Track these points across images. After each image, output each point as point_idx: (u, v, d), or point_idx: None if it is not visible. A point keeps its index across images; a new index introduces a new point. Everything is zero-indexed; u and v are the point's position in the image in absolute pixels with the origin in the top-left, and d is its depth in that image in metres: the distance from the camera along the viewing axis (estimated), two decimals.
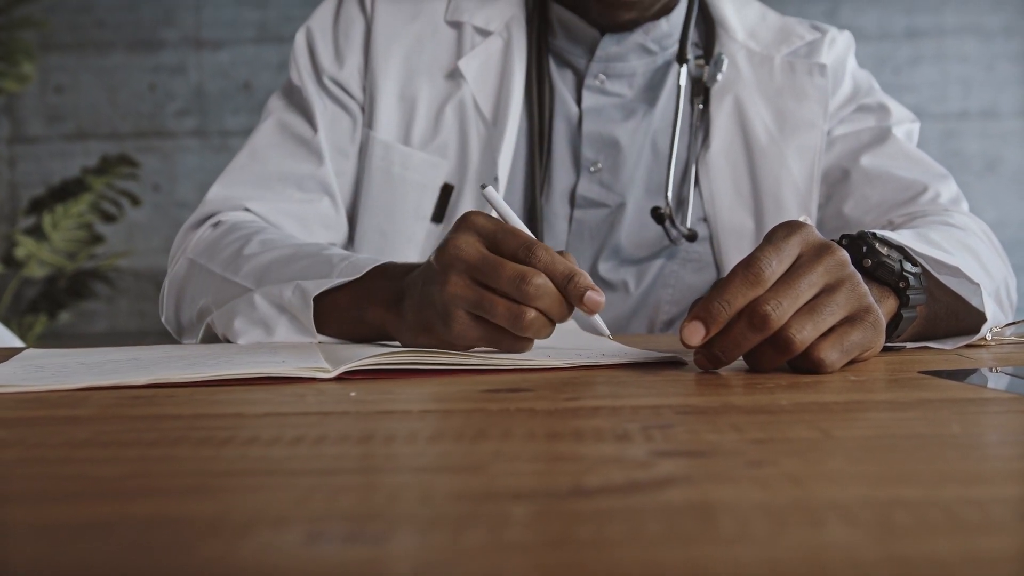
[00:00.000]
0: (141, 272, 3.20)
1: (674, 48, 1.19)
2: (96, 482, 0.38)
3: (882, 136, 1.19)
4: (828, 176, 1.20)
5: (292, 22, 3.15)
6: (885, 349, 0.76)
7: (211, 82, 3.20)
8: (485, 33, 1.18)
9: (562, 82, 1.19)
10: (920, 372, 0.67)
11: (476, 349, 0.75)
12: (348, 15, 1.19)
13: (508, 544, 0.29)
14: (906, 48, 3.19)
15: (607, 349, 0.77)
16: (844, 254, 0.68)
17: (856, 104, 1.21)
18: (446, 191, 1.16)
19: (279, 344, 0.87)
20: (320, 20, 1.21)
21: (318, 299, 0.86)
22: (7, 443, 0.46)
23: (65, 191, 2.94)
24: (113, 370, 0.68)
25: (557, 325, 0.73)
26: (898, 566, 0.27)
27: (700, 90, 1.19)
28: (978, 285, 0.83)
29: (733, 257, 1.16)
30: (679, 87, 1.16)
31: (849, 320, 0.67)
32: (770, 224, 1.13)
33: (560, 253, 0.72)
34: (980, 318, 0.84)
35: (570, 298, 0.70)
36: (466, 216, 0.75)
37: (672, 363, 0.73)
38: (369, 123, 1.17)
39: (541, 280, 0.69)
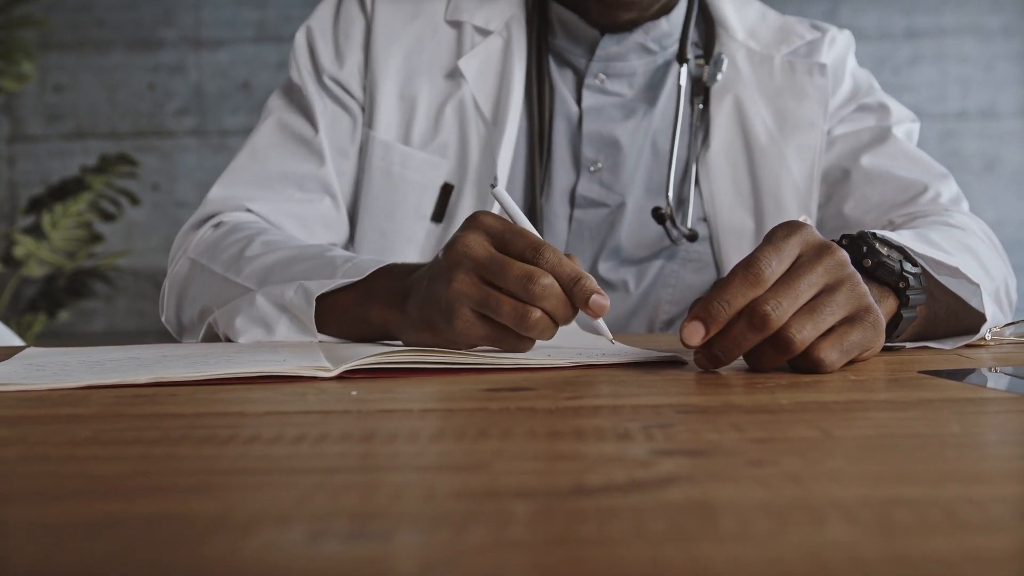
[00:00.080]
0: (140, 271, 3.20)
1: (674, 47, 1.19)
2: (98, 480, 0.38)
3: (882, 136, 1.19)
4: (828, 176, 1.20)
5: (291, 21, 3.15)
6: (885, 349, 0.76)
7: (210, 81, 3.20)
8: (485, 32, 1.18)
9: (562, 81, 1.19)
10: (920, 372, 0.67)
11: (477, 348, 0.75)
12: (348, 14, 1.19)
13: (510, 542, 0.29)
14: (905, 48, 3.19)
15: (607, 349, 0.77)
16: (844, 254, 0.68)
17: (856, 104, 1.21)
18: (446, 191, 1.16)
19: (280, 343, 0.87)
20: (320, 19, 1.21)
21: (320, 299, 0.86)
22: (9, 441, 0.46)
23: (64, 190, 2.94)
24: (114, 369, 0.68)
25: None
26: (899, 565, 0.27)
27: (700, 90, 1.19)
28: (978, 285, 0.83)
29: (733, 257, 1.16)
30: (679, 87, 1.16)
31: (849, 320, 0.67)
32: (770, 224, 1.13)
33: (566, 256, 0.72)
34: (980, 318, 0.84)
35: (575, 300, 0.71)
36: (475, 215, 0.75)
37: (672, 363, 0.73)
38: (369, 123, 1.17)
39: (548, 281, 0.70)
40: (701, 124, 1.19)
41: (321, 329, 0.88)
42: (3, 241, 3.08)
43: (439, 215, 1.16)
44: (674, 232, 1.15)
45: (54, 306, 2.96)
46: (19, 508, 0.35)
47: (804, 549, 0.28)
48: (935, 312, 0.84)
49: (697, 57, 1.20)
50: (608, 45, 1.16)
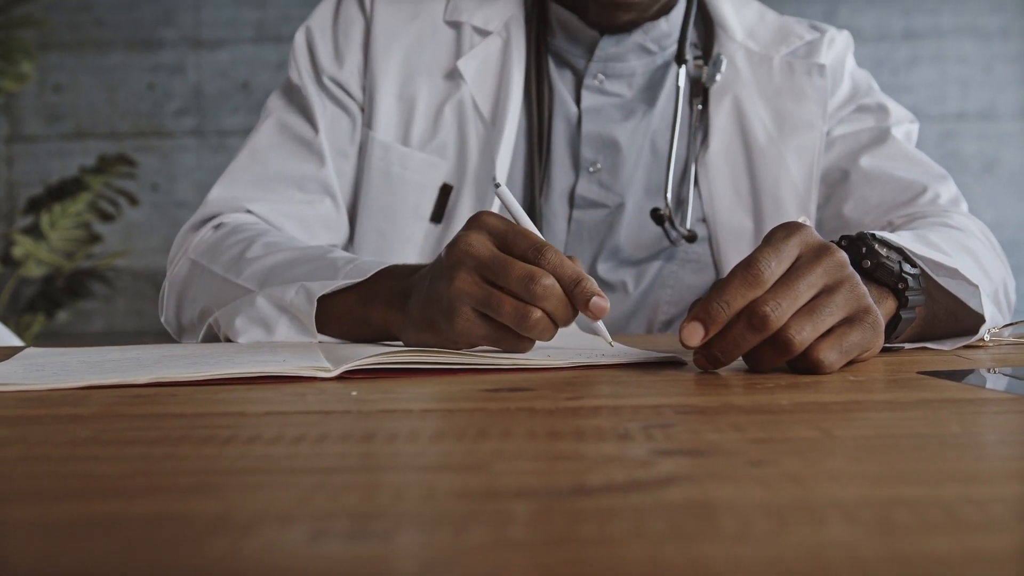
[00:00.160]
0: (139, 272, 3.20)
1: (673, 48, 1.19)
2: (99, 480, 0.38)
3: (881, 137, 1.19)
4: (827, 177, 1.20)
5: (291, 22, 3.15)
6: (884, 350, 0.76)
7: (210, 82, 3.20)
8: (484, 33, 1.18)
9: (561, 82, 1.19)
10: (919, 372, 0.67)
11: (477, 349, 0.75)
12: (348, 15, 1.19)
13: (511, 542, 0.29)
14: (904, 49, 3.19)
15: (607, 350, 0.77)
16: (843, 255, 0.68)
17: (855, 104, 1.21)
18: (445, 191, 1.16)
19: (279, 343, 0.87)
20: (320, 20, 1.21)
21: (321, 300, 0.86)
22: (9, 441, 0.46)
23: (63, 190, 2.94)
24: (114, 369, 0.68)
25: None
26: (899, 565, 0.27)
27: (699, 90, 1.19)
28: (976, 287, 0.83)
29: (732, 258, 1.16)
30: (678, 88, 1.16)
31: (848, 321, 0.67)
32: (769, 225, 1.14)
33: (568, 258, 0.72)
34: (978, 319, 0.84)
35: (576, 302, 0.71)
36: (478, 215, 0.75)
37: (672, 363, 0.73)
38: (368, 123, 1.17)
39: (549, 281, 0.70)
40: (700, 125, 1.19)
41: (321, 330, 0.88)
42: (2, 241, 3.08)
43: (438, 216, 1.16)
44: (673, 233, 1.15)
45: (53, 306, 2.96)
46: (19, 508, 0.35)
47: (804, 549, 0.28)
48: (934, 313, 0.84)
49: (696, 58, 1.20)
50: (607, 46, 1.16)
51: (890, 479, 0.37)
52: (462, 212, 1.14)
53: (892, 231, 0.92)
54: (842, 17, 3.16)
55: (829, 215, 1.20)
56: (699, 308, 0.66)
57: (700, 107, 1.19)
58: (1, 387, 0.61)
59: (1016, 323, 0.93)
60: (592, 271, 1.17)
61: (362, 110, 1.18)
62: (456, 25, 1.19)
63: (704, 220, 1.18)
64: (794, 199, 1.17)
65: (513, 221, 0.76)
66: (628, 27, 1.16)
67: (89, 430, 0.48)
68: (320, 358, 0.71)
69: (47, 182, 3.09)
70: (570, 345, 0.83)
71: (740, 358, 0.67)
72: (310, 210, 1.14)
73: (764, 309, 0.64)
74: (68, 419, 0.51)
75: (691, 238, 1.16)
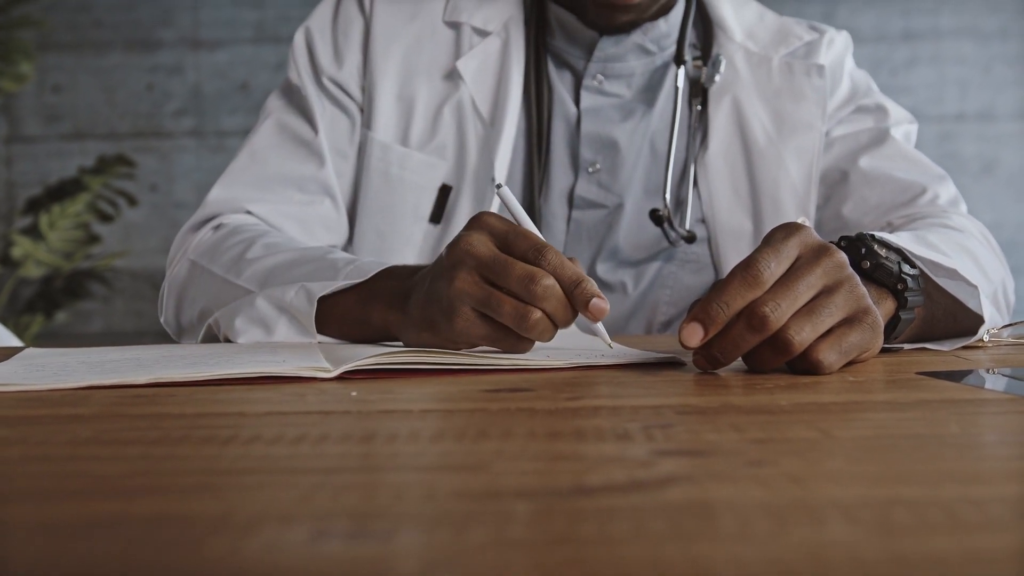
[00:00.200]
0: (138, 272, 3.20)
1: (673, 48, 1.19)
2: (100, 480, 0.38)
3: (880, 137, 1.20)
4: (827, 177, 1.20)
5: (290, 22, 3.15)
6: (883, 350, 0.76)
7: (208, 82, 3.20)
8: (483, 33, 1.18)
9: (560, 82, 1.19)
10: (918, 373, 0.67)
11: (476, 349, 0.75)
12: (347, 15, 1.19)
13: (512, 542, 0.29)
14: (903, 50, 3.19)
15: (606, 350, 0.77)
16: (842, 256, 0.68)
17: (854, 105, 1.22)
18: (444, 192, 1.16)
19: (279, 344, 0.87)
20: (319, 20, 1.21)
21: (321, 301, 0.86)
22: (10, 441, 0.46)
23: (62, 191, 2.94)
24: (114, 369, 0.68)
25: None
26: (898, 565, 0.27)
27: (698, 91, 1.19)
28: (975, 287, 0.83)
29: (731, 258, 1.16)
30: (676, 89, 1.17)
31: (847, 321, 0.67)
32: (768, 225, 1.14)
33: (569, 260, 0.72)
34: (978, 320, 0.84)
35: (576, 303, 0.71)
36: (479, 215, 0.75)
37: (671, 364, 0.73)
38: (367, 124, 1.17)
39: (550, 282, 0.70)
40: (699, 125, 1.19)
41: (321, 330, 0.88)
42: (0, 242, 3.08)
43: (437, 216, 1.16)
44: (672, 234, 1.15)
45: (51, 307, 2.96)
46: (20, 508, 0.35)
47: (804, 549, 0.28)
48: (933, 314, 0.84)
49: (695, 58, 1.20)
50: (606, 46, 1.16)
51: (889, 479, 0.37)
52: (461, 213, 1.14)
53: (891, 232, 0.92)
54: (841, 18, 3.16)
55: (828, 216, 1.20)
56: (698, 309, 0.66)
57: (699, 108, 1.19)
58: (1, 387, 0.61)
59: (1015, 324, 0.93)
60: (591, 271, 1.17)
61: (361, 110, 1.18)
62: (455, 25, 1.19)
63: (703, 221, 1.18)
64: (793, 200, 1.17)
65: (514, 222, 0.76)
66: (627, 28, 1.16)
67: (89, 430, 0.48)
68: (320, 358, 0.71)
69: (46, 183, 3.09)
70: (569, 346, 0.83)
71: (739, 359, 0.67)
72: (310, 211, 1.14)
73: (763, 310, 0.64)
74: (68, 419, 0.51)
75: (690, 239, 1.16)
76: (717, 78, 1.18)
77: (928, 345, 0.84)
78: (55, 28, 3.15)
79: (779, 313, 0.64)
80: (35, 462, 0.42)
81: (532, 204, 1.15)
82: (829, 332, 0.66)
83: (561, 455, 0.41)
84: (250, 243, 1.00)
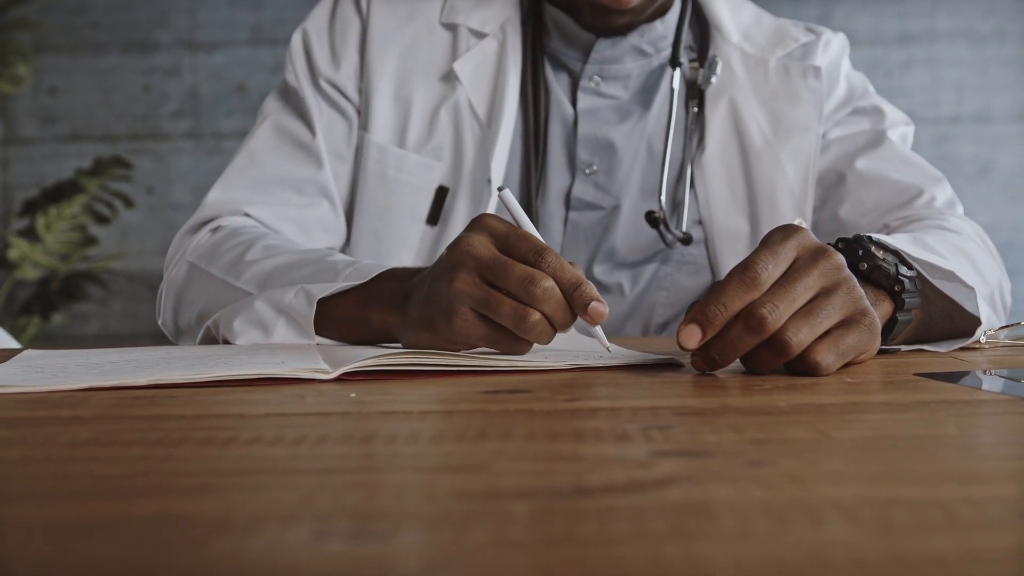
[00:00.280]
0: (134, 274, 3.20)
1: (669, 50, 1.19)
2: (101, 481, 0.38)
3: (877, 139, 1.20)
4: (823, 179, 1.20)
5: (286, 24, 3.15)
6: (880, 352, 0.77)
7: (205, 84, 3.20)
8: (480, 35, 1.18)
9: (557, 84, 1.19)
10: (915, 374, 0.67)
11: (475, 350, 0.75)
12: (344, 16, 1.19)
13: (513, 542, 0.29)
14: (899, 52, 3.20)
15: (604, 351, 0.77)
16: (840, 258, 0.68)
17: (851, 107, 1.22)
18: (441, 193, 1.16)
19: (277, 345, 0.87)
20: (316, 22, 1.21)
21: (320, 302, 0.86)
22: (11, 442, 0.46)
23: (58, 193, 2.94)
24: (113, 371, 0.68)
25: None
26: (898, 564, 0.27)
27: (695, 93, 1.20)
28: (972, 289, 0.83)
29: (728, 260, 1.16)
30: (672, 90, 1.17)
31: (845, 323, 0.67)
32: (765, 227, 1.14)
33: (570, 264, 0.73)
34: (974, 321, 0.84)
35: (575, 306, 0.71)
36: (480, 217, 0.76)
37: (669, 365, 0.73)
38: (364, 125, 1.17)
39: (549, 284, 0.70)
40: (696, 127, 1.20)
41: (320, 332, 0.88)
42: None
43: (434, 218, 1.16)
44: (668, 235, 1.15)
45: (48, 309, 2.96)
46: (21, 509, 0.35)
47: (804, 549, 0.29)
48: (930, 315, 0.84)
49: (691, 60, 1.21)
50: (603, 48, 1.17)
51: (888, 479, 0.37)
52: (458, 214, 1.15)
53: (888, 234, 0.92)
54: (837, 20, 3.17)
55: (825, 218, 1.20)
56: (697, 310, 0.66)
57: (696, 109, 1.19)
58: (1, 389, 0.61)
59: (1012, 325, 0.93)
60: (588, 273, 1.17)
61: (358, 112, 1.18)
62: (452, 27, 1.19)
63: (700, 222, 1.18)
64: (790, 201, 1.17)
65: (515, 224, 0.76)
66: (624, 30, 1.16)
67: (89, 431, 0.48)
68: (318, 360, 0.71)
69: (42, 184, 3.09)
70: (567, 347, 0.83)
71: (737, 360, 0.67)
72: (308, 213, 1.14)
73: (761, 311, 0.64)
74: (68, 421, 0.52)
75: (686, 240, 1.16)
76: (713, 80, 1.18)
77: (925, 346, 0.84)
78: (51, 30, 3.15)
79: (777, 315, 0.64)
80: (35, 463, 0.42)
81: (529, 205, 1.15)
82: (827, 333, 0.67)
83: (560, 456, 0.41)
84: (249, 245, 1.00)
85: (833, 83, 1.22)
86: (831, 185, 1.20)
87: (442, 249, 1.12)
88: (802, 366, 0.66)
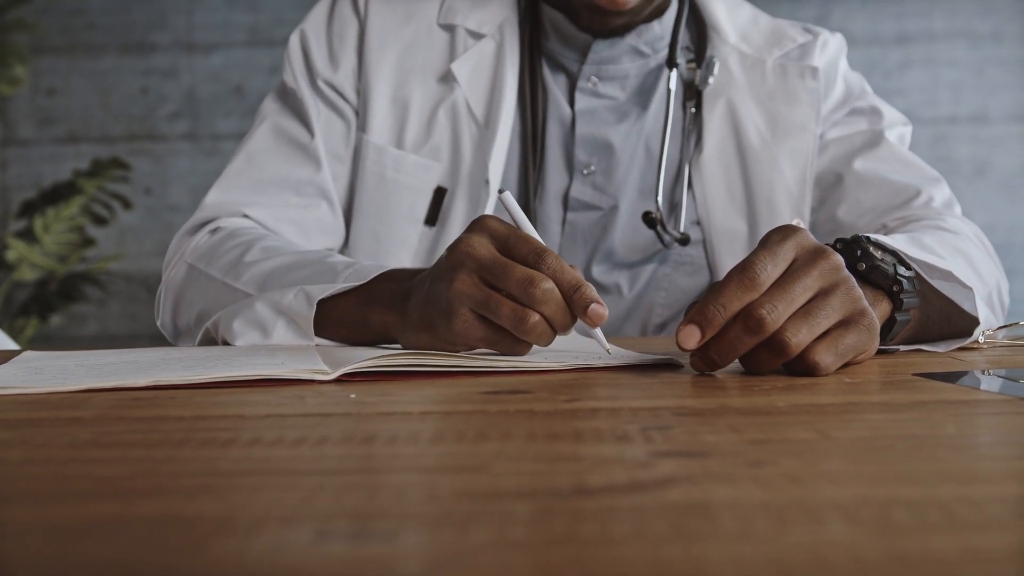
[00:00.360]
0: (132, 275, 3.20)
1: (667, 50, 1.19)
2: (103, 482, 0.38)
3: (875, 140, 1.20)
4: (821, 180, 1.20)
5: (284, 25, 3.15)
6: (879, 352, 0.77)
7: (203, 85, 3.20)
8: (478, 36, 1.18)
9: (555, 84, 1.19)
10: (914, 374, 0.67)
11: (474, 351, 0.75)
12: (342, 17, 1.19)
13: (514, 542, 0.29)
14: (896, 53, 3.20)
15: (603, 352, 0.77)
16: (838, 258, 0.68)
17: (848, 107, 1.22)
18: (439, 194, 1.16)
19: (277, 346, 0.87)
20: (314, 22, 1.21)
21: (320, 303, 0.86)
22: (11, 444, 0.46)
23: (56, 194, 2.94)
24: (113, 372, 0.68)
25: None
26: (898, 564, 0.27)
27: (692, 93, 1.20)
28: (970, 289, 0.84)
29: (726, 260, 1.16)
30: (669, 91, 1.17)
31: (844, 323, 0.67)
32: (763, 228, 1.14)
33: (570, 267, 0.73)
34: (973, 321, 0.84)
35: (575, 308, 0.71)
36: (481, 218, 0.76)
37: (668, 365, 0.73)
38: (362, 126, 1.17)
39: (549, 285, 0.70)
40: (694, 127, 1.20)
41: (319, 333, 0.88)
42: None
43: (432, 218, 1.16)
44: (666, 236, 1.15)
45: (46, 310, 2.96)
46: (22, 510, 0.35)
47: (804, 549, 0.29)
48: (928, 315, 0.84)
49: (689, 61, 1.21)
50: (600, 49, 1.17)
51: (888, 479, 0.37)
52: (456, 215, 1.15)
53: (886, 234, 0.93)
54: (835, 20, 3.17)
55: (823, 218, 1.20)
56: (695, 311, 0.66)
57: (693, 110, 1.19)
58: (1, 390, 0.61)
59: (1010, 325, 0.93)
60: (586, 274, 1.17)
61: (356, 113, 1.18)
62: (450, 28, 1.19)
63: (698, 223, 1.18)
64: (788, 202, 1.17)
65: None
66: (621, 30, 1.16)
67: (90, 433, 0.48)
68: (318, 361, 0.71)
69: (40, 186, 3.09)
70: (566, 348, 0.83)
71: (736, 360, 0.67)
72: (307, 214, 1.14)
73: (760, 312, 0.64)
74: (69, 422, 0.52)
75: (684, 241, 1.16)
76: (711, 80, 1.18)
77: (924, 347, 0.84)
78: (49, 31, 3.15)
79: (776, 315, 0.65)
80: (36, 464, 0.42)
81: (527, 206, 1.15)
82: (826, 334, 0.67)
83: (561, 456, 0.41)
84: (248, 246, 1.00)
85: (831, 83, 1.22)
86: (829, 186, 1.20)
87: (440, 250, 1.13)
88: (801, 366, 0.66)
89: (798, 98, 1.19)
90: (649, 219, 1.13)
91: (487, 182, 1.13)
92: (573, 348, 0.83)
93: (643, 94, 1.19)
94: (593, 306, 0.71)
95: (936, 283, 0.84)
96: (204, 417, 0.52)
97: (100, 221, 3.01)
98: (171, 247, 1.12)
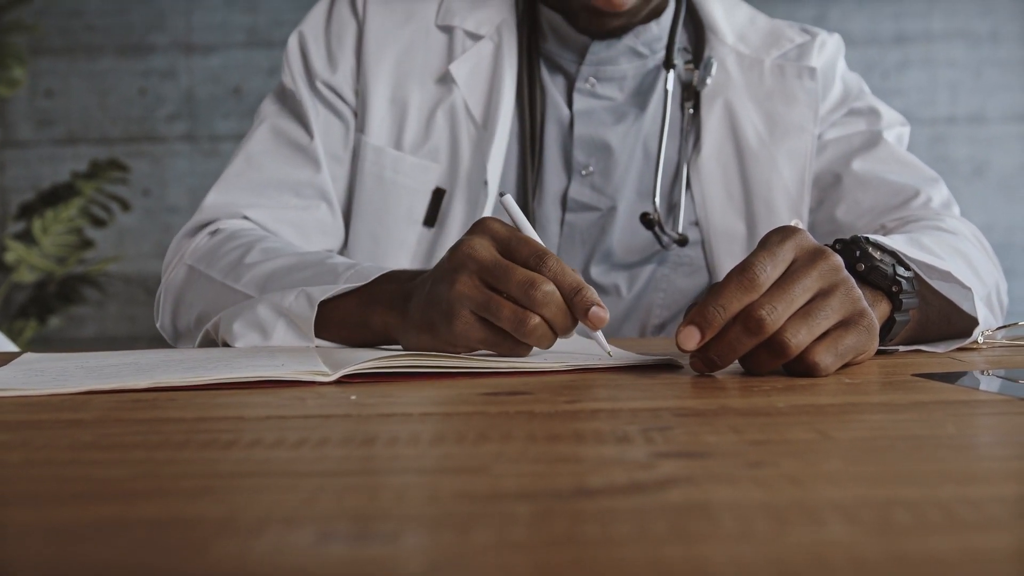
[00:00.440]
0: (131, 277, 3.20)
1: (664, 51, 1.19)
2: (104, 483, 0.38)
3: (873, 140, 1.20)
4: (820, 180, 1.20)
5: (282, 27, 3.15)
6: (879, 352, 0.77)
7: (201, 87, 3.20)
8: (476, 37, 1.18)
9: (553, 85, 1.19)
10: (913, 375, 0.68)
11: (474, 353, 0.75)
12: (340, 18, 1.19)
13: (515, 543, 0.30)
14: (894, 53, 3.20)
15: (602, 353, 0.77)
16: (838, 259, 0.68)
17: (847, 108, 1.22)
18: (438, 195, 1.16)
19: (277, 348, 0.87)
20: (312, 24, 1.21)
21: (321, 304, 0.86)
22: (12, 445, 0.46)
23: (55, 196, 2.93)
24: (114, 374, 0.68)
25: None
26: (898, 564, 0.27)
27: (690, 94, 1.20)
28: (969, 289, 0.84)
29: (725, 261, 1.16)
30: (666, 92, 1.17)
31: (843, 324, 0.67)
32: (761, 228, 1.14)
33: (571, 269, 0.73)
34: (972, 322, 0.85)
35: (575, 310, 0.71)
36: (482, 220, 0.76)
37: (668, 366, 0.73)
38: (361, 128, 1.17)
39: (550, 288, 0.70)
40: (692, 128, 1.20)
41: (321, 334, 0.88)
42: None
43: (431, 219, 1.16)
44: (664, 237, 1.15)
45: (45, 312, 2.96)
46: (23, 511, 0.35)
47: (804, 549, 0.29)
48: (927, 316, 0.84)
49: (687, 61, 1.21)
50: (598, 50, 1.17)
51: (888, 480, 0.37)
52: (455, 216, 1.15)
53: (885, 235, 0.93)
54: (833, 21, 3.17)
55: (822, 219, 1.20)
56: (695, 312, 0.66)
57: (691, 111, 1.19)
58: (2, 392, 0.61)
59: (1009, 325, 0.93)
60: (585, 274, 1.17)
61: (355, 114, 1.18)
62: (448, 29, 1.19)
63: (697, 224, 1.18)
64: (786, 203, 1.17)
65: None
66: (619, 31, 1.17)
67: (91, 434, 0.48)
68: (318, 362, 0.71)
69: (39, 187, 3.08)
70: (566, 349, 0.83)
71: (736, 361, 0.68)
72: (306, 215, 1.14)
73: (760, 313, 0.64)
74: (69, 424, 0.52)
75: (682, 242, 1.16)
76: (709, 81, 1.18)
77: (923, 347, 0.84)
78: (47, 32, 3.15)
79: (775, 316, 0.65)
80: (37, 466, 0.42)
81: (526, 207, 1.15)
82: (825, 335, 0.67)
83: (561, 457, 0.41)
84: (248, 248, 1.00)
85: (829, 84, 1.22)
86: (827, 186, 1.20)
87: (439, 251, 1.13)
88: (801, 367, 0.66)
89: (796, 98, 1.19)
90: (647, 220, 1.13)
91: (485, 183, 1.13)
92: (573, 349, 0.83)
93: (641, 95, 1.19)
94: (594, 309, 0.71)
95: (935, 284, 0.84)
96: (205, 419, 0.53)
97: (99, 223, 3.00)
98: (170, 249, 1.12)
